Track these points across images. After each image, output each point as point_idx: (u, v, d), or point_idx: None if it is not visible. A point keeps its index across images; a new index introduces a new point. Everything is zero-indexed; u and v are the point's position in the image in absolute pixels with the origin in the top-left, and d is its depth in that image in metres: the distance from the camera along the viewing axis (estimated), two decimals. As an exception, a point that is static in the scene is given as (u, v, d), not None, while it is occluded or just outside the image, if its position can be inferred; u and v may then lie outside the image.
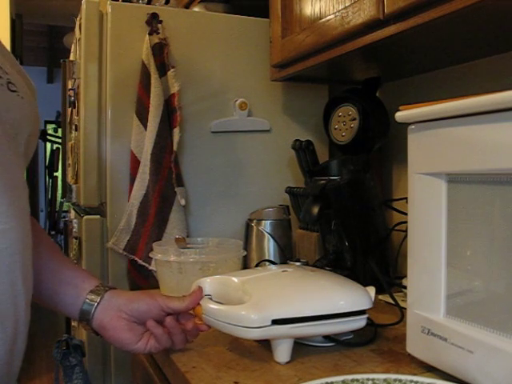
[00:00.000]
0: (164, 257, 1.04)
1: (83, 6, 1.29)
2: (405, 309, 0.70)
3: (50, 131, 6.47)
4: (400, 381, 0.52)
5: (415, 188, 0.66)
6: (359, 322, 0.73)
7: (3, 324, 0.59)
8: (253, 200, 1.37)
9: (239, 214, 1.35)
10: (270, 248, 1.23)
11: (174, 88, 1.25)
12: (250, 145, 1.40)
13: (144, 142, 1.24)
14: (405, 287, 0.95)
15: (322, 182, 1.12)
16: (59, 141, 5.09)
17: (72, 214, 1.72)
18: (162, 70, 1.25)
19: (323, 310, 0.72)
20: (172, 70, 1.26)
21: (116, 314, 0.75)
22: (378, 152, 1.26)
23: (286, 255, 1.20)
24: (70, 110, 1.56)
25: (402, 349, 0.70)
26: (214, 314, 0.74)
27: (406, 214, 0.70)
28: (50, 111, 5.98)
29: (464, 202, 0.60)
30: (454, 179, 0.61)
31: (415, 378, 0.52)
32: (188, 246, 1.14)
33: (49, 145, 6.43)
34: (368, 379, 0.52)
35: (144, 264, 1.20)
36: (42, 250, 0.77)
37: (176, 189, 1.24)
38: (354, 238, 1.10)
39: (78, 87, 1.35)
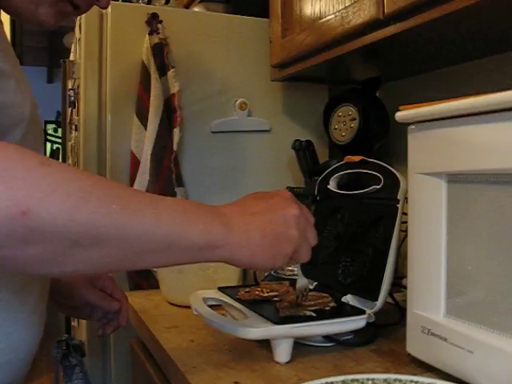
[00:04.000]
0: (164, 257, 1.04)
1: (83, 6, 1.29)
2: (405, 309, 0.70)
3: (50, 131, 6.47)
4: (400, 381, 0.52)
5: (415, 188, 0.66)
6: (359, 322, 0.73)
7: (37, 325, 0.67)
8: (253, 200, 1.37)
9: (239, 214, 1.34)
10: (270, 248, 1.22)
11: (174, 88, 1.25)
12: (250, 145, 1.40)
13: (144, 142, 1.24)
14: (405, 287, 0.94)
15: (322, 181, 1.12)
16: (59, 141, 5.10)
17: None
18: (162, 70, 1.24)
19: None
20: (172, 69, 1.25)
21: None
22: (378, 152, 1.26)
23: (286, 255, 1.20)
24: (70, 109, 1.56)
25: (402, 349, 0.70)
26: (214, 314, 0.74)
27: (406, 214, 0.70)
28: (50, 111, 5.97)
29: (464, 201, 0.60)
30: (454, 179, 0.61)
31: (415, 378, 0.52)
32: (188, 245, 1.14)
33: (49, 145, 6.43)
34: (368, 379, 0.52)
35: (144, 264, 1.20)
36: None
37: (176, 189, 1.24)
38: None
39: (78, 87, 1.35)
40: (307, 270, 0.91)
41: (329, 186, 0.94)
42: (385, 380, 0.52)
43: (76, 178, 0.47)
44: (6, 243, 0.43)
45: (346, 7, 0.96)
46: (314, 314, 0.72)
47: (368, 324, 0.74)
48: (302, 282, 0.74)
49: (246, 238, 0.56)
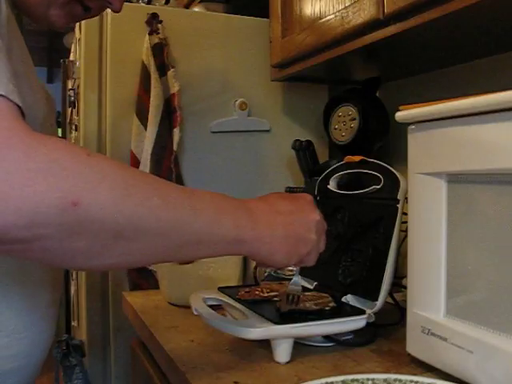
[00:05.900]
0: (164, 257, 1.04)
1: (83, 6, 1.29)
2: (405, 309, 0.70)
3: (50, 131, 6.46)
4: (400, 381, 0.52)
5: (415, 188, 0.66)
6: (359, 322, 0.73)
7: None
8: (253, 200, 1.37)
9: (239, 214, 1.34)
10: (270, 248, 1.23)
11: (174, 88, 1.25)
12: (250, 145, 1.40)
13: (144, 142, 1.24)
14: (405, 287, 0.94)
15: (322, 181, 1.12)
16: (59, 141, 5.07)
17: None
18: (162, 70, 1.25)
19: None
20: (172, 69, 1.26)
21: None
22: (378, 152, 1.26)
23: (286, 255, 1.21)
24: (70, 109, 1.56)
25: (402, 349, 0.70)
26: (214, 314, 0.74)
27: (406, 214, 0.70)
28: (50, 111, 5.96)
29: (464, 202, 0.60)
30: (453, 179, 0.61)
31: (415, 378, 0.52)
32: (188, 246, 1.14)
33: (49, 145, 6.42)
34: (368, 379, 0.52)
35: (144, 264, 1.20)
36: None
37: (176, 189, 1.24)
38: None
39: (78, 87, 1.35)
40: (307, 269, 0.91)
41: (329, 186, 0.94)
42: (385, 380, 0.52)
43: (119, 170, 0.47)
44: (55, 234, 0.42)
45: (345, 7, 0.96)
46: (315, 307, 0.72)
47: (368, 324, 0.74)
48: (296, 287, 0.75)
49: (269, 234, 0.58)
